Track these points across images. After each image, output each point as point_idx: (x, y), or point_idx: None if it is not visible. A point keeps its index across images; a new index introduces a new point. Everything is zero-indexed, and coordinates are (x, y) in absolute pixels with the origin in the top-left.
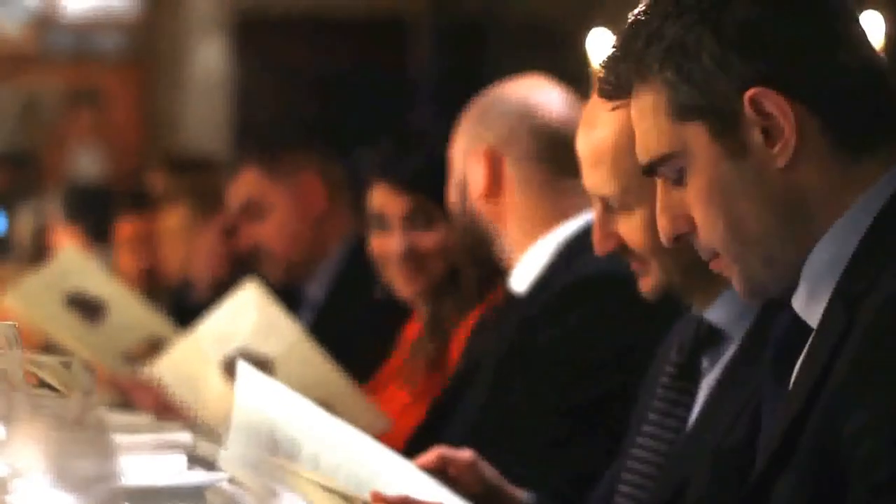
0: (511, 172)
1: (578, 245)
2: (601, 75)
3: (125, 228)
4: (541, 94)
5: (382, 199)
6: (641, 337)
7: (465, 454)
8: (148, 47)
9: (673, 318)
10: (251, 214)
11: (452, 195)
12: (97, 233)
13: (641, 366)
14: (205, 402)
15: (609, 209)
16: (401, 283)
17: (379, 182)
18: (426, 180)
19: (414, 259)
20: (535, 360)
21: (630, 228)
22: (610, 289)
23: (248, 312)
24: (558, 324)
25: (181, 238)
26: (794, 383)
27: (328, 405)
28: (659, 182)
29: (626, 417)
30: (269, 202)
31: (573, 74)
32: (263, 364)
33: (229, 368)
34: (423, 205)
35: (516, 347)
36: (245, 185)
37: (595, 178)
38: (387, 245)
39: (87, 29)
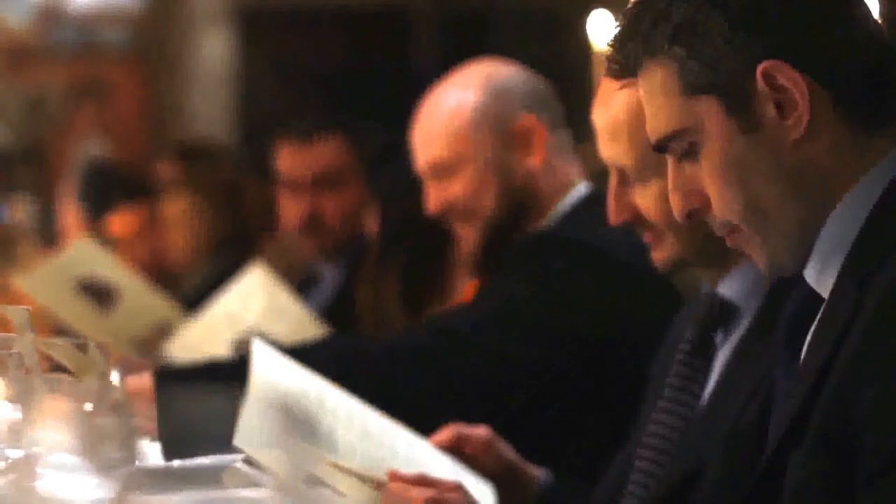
0: (550, 140)
1: (571, 217)
2: (609, 55)
3: (125, 219)
4: (523, 69)
5: None
6: (586, 305)
7: (481, 432)
8: (152, 41)
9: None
10: (323, 184)
11: (483, 174)
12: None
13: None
14: None
15: (625, 180)
16: None
17: None
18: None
19: None
20: (501, 282)
21: (646, 200)
22: (556, 250)
23: (256, 295)
24: (512, 274)
25: (186, 226)
26: (805, 361)
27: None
28: (669, 159)
29: (634, 394)
30: (345, 178)
31: (577, 62)
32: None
33: (240, 350)
34: None
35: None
36: (328, 152)
37: (613, 149)
38: None
39: (91, 23)
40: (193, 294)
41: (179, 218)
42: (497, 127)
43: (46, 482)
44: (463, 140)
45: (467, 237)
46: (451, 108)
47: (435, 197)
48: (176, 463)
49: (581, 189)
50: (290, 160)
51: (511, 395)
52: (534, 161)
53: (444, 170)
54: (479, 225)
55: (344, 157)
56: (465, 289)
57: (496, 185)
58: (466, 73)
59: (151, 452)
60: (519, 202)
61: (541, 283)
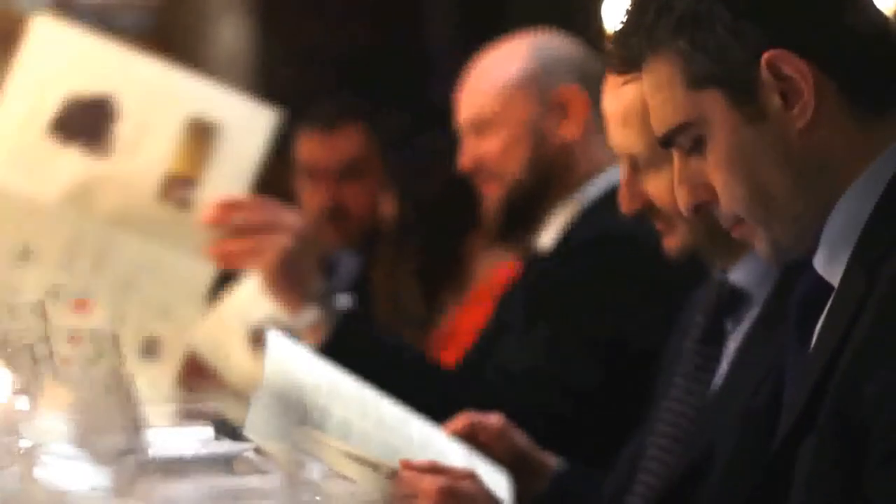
0: (591, 114)
1: (603, 203)
2: (611, 50)
3: None
4: (578, 45)
5: None
6: (655, 300)
7: (495, 420)
8: (169, 26)
9: (689, 284)
10: (346, 173)
11: (516, 136)
12: None
13: (654, 329)
14: (233, 371)
15: (636, 168)
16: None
17: None
18: None
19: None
20: (555, 302)
21: (657, 187)
22: (628, 246)
23: None
24: (576, 271)
25: None
26: (815, 347)
27: None
28: (675, 153)
29: (647, 384)
30: (366, 168)
31: (595, 43)
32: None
33: (256, 339)
34: None
35: (538, 294)
36: (349, 141)
37: (623, 136)
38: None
39: (106, 9)
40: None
41: None
42: (538, 91)
43: (49, 471)
44: (502, 99)
45: (493, 198)
46: (498, 68)
47: (468, 152)
48: (185, 452)
49: (616, 174)
50: (311, 149)
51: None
52: (570, 131)
53: (481, 126)
54: (505, 187)
55: (366, 146)
56: (484, 276)
57: (528, 149)
58: (521, 39)
59: (159, 441)
60: (548, 170)
61: (597, 299)
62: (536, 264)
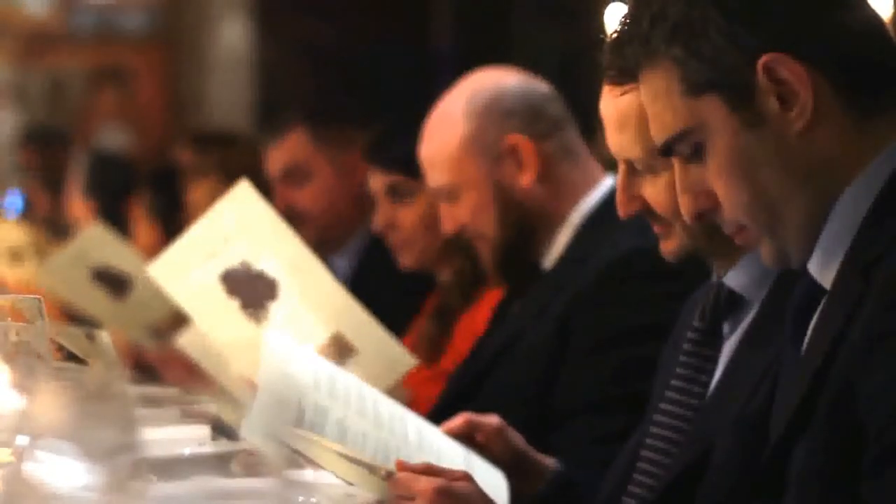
0: (544, 153)
1: (602, 216)
2: (607, 61)
3: (138, 210)
4: (514, 76)
5: (371, 178)
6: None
7: (493, 420)
8: (172, 26)
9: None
10: (291, 178)
11: (481, 197)
12: (113, 207)
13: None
14: (229, 375)
15: (633, 172)
16: (397, 255)
17: (369, 164)
18: (403, 160)
19: (394, 231)
20: (598, 344)
21: (655, 191)
22: (656, 264)
23: None
24: (613, 305)
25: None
26: (807, 349)
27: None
28: (676, 161)
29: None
30: (311, 169)
31: (595, 44)
32: None
33: None
34: (401, 182)
35: (574, 329)
36: (290, 147)
37: (621, 141)
38: (376, 219)
39: (111, 8)
40: None
41: (200, 204)
42: (484, 152)
43: (44, 469)
44: (456, 168)
45: (484, 255)
46: (442, 136)
47: (446, 219)
48: (183, 452)
49: (607, 183)
50: (268, 160)
51: None
52: (527, 178)
53: (447, 195)
54: (490, 244)
55: (305, 152)
56: (484, 301)
57: (496, 206)
58: (455, 95)
59: (157, 441)
60: (526, 215)
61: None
62: (545, 281)
